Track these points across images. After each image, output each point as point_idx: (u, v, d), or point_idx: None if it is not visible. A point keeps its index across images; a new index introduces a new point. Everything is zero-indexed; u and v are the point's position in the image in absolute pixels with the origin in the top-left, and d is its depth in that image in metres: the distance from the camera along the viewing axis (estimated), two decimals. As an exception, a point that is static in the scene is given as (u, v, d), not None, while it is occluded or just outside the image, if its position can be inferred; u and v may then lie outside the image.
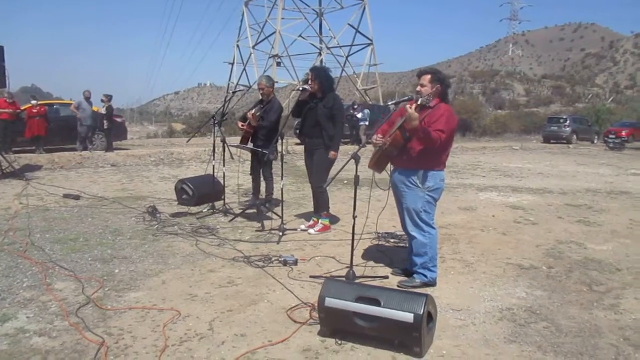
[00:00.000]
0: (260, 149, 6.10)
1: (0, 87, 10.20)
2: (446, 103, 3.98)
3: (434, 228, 4.05)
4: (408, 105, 3.68)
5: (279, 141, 5.68)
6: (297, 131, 18.23)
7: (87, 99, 14.10)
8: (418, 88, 3.98)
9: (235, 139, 7.09)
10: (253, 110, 6.34)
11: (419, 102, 3.68)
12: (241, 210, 6.44)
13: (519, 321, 3.41)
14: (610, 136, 24.51)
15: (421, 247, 4.00)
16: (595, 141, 28.31)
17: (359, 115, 19.67)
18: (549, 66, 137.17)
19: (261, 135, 6.31)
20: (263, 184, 6.75)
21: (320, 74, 5.62)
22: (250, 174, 6.77)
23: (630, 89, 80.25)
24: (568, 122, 27.53)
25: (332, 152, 5.60)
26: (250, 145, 6.37)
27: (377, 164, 4.10)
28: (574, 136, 27.15)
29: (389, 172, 4.17)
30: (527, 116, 40.12)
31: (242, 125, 6.38)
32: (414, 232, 4.03)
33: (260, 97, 6.58)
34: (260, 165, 6.52)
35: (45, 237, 5.21)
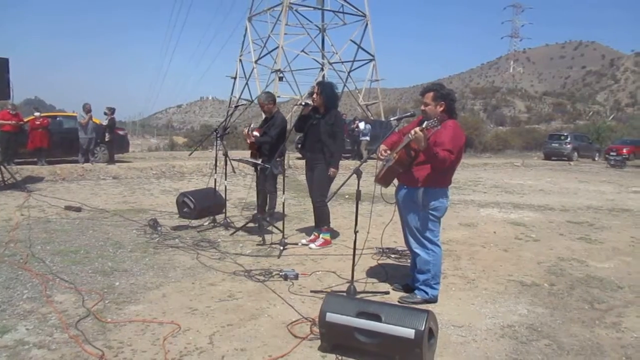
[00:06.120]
0: (262, 164, 6.13)
1: (3, 99, 10.28)
2: (454, 118, 3.97)
3: (438, 246, 4.02)
4: (418, 129, 3.62)
5: (283, 156, 5.68)
6: (299, 146, 18.32)
7: (88, 112, 14.18)
8: (422, 107, 3.96)
9: (237, 153, 7.12)
10: (246, 130, 6.49)
11: (424, 126, 3.64)
12: (242, 224, 6.43)
13: (521, 339, 3.39)
14: (612, 154, 24.55)
15: (424, 264, 3.98)
16: (596, 158, 28.37)
17: (361, 125, 19.78)
18: (550, 83, 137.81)
19: (265, 150, 6.36)
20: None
21: (326, 89, 5.64)
22: (257, 188, 6.77)
23: (631, 107, 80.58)
24: (569, 139, 27.64)
25: (332, 170, 5.62)
26: (259, 160, 6.41)
27: (383, 179, 4.07)
28: (575, 153, 27.21)
29: (396, 186, 4.16)
30: (528, 133, 40.23)
31: (249, 141, 6.52)
32: (417, 250, 4.01)
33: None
34: (265, 180, 6.55)
35: (46, 249, 5.21)
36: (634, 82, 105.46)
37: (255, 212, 6.73)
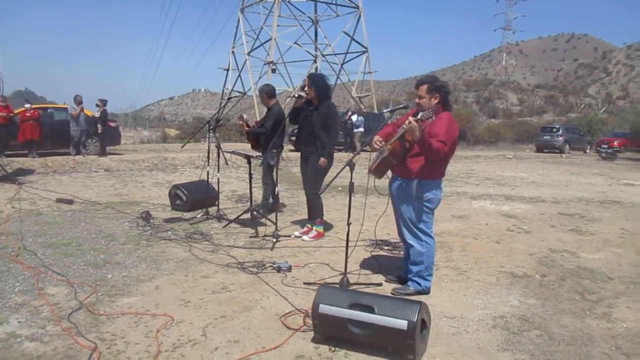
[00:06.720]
0: (254, 155, 6.13)
1: (-6, 91, 10.19)
2: (448, 110, 3.97)
3: (432, 237, 4.04)
4: (412, 119, 3.64)
5: (281, 148, 5.66)
6: (292, 138, 18.28)
7: (79, 103, 14.07)
8: (417, 100, 3.96)
9: (230, 145, 7.12)
10: (240, 121, 6.56)
11: (418, 117, 3.65)
12: (235, 216, 6.42)
13: (512, 329, 3.42)
14: (603, 146, 24.70)
15: (418, 255, 3.99)
16: (587, 151, 28.56)
17: (354, 118, 19.76)
18: (542, 76, 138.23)
19: (262, 142, 6.38)
20: (259, 191, 6.76)
21: (317, 81, 5.62)
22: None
23: (623, 100, 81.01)
24: (561, 131, 27.81)
25: (322, 159, 5.56)
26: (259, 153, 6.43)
27: (377, 170, 4.06)
28: (567, 146, 27.39)
29: (389, 178, 4.17)
30: (520, 125, 40.40)
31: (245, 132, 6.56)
32: (411, 241, 4.02)
33: None
34: (263, 171, 6.61)
35: (37, 242, 5.17)
36: (625, 75, 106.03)
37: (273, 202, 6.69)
